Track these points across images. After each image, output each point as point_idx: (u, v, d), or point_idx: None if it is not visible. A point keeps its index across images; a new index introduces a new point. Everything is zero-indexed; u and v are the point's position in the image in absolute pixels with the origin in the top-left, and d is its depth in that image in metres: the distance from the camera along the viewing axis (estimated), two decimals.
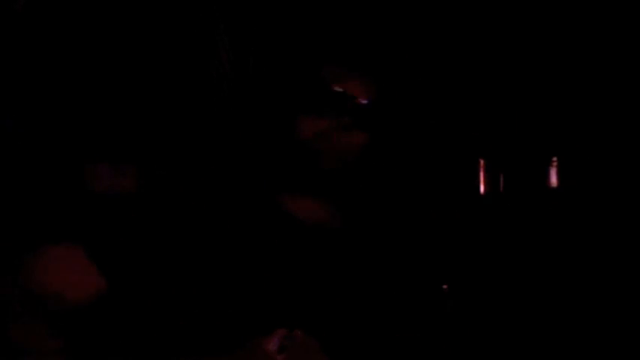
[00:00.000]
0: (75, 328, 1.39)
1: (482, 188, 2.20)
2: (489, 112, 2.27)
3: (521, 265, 2.04)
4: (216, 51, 2.27)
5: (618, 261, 2.09)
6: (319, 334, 1.43)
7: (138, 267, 1.45)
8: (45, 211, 2.03)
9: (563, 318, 2.01)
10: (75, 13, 2.17)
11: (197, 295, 1.47)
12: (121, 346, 1.42)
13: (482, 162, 2.20)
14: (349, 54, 1.58)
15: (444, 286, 1.60)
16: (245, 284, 1.48)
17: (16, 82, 2.13)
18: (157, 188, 1.56)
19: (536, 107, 2.30)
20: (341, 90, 1.53)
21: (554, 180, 2.20)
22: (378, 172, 1.66)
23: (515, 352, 1.94)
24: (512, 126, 2.29)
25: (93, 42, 2.18)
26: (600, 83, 2.25)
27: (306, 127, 1.54)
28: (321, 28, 1.74)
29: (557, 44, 2.29)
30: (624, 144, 2.22)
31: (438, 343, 1.57)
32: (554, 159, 2.21)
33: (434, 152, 1.60)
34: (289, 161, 1.57)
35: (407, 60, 1.70)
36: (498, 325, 1.84)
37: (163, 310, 1.48)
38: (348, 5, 2.26)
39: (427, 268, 1.60)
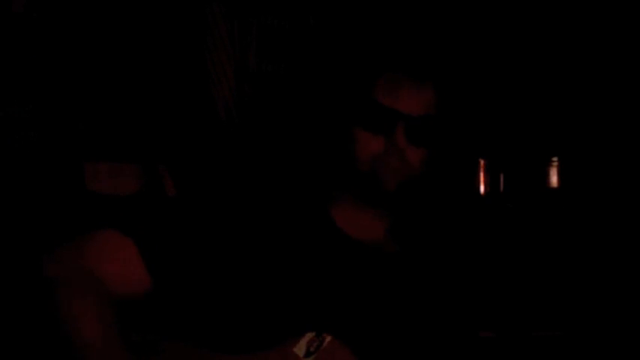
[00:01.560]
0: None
1: (482, 188, 2.20)
2: (489, 112, 2.27)
3: (521, 265, 2.04)
4: (216, 50, 2.27)
5: (618, 261, 2.10)
6: (350, 340, 1.40)
7: (182, 269, 1.42)
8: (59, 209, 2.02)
9: (563, 316, 2.02)
10: (76, 15, 2.17)
11: (232, 296, 1.45)
12: (152, 342, 1.40)
13: (482, 162, 2.20)
14: (399, 67, 1.52)
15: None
16: (281, 288, 1.45)
17: (17, 83, 2.13)
18: (206, 192, 1.54)
19: (536, 107, 2.31)
20: (390, 106, 1.47)
21: (554, 180, 2.20)
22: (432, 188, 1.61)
23: (516, 351, 1.94)
24: (512, 126, 2.29)
25: (94, 42, 2.18)
26: (600, 83, 2.25)
27: (361, 146, 1.49)
28: (368, 42, 1.69)
29: (557, 44, 2.29)
30: (624, 144, 2.22)
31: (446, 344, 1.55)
32: (554, 159, 2.21)
33: (436, 152, 1.58)
34: (345, 177, 1.53)
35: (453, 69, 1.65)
36: (499, 324, 1.85)
37: (199, 311, 1.46)
38: (392, 14, 2.26)
39: (428, 270, 1.59)
